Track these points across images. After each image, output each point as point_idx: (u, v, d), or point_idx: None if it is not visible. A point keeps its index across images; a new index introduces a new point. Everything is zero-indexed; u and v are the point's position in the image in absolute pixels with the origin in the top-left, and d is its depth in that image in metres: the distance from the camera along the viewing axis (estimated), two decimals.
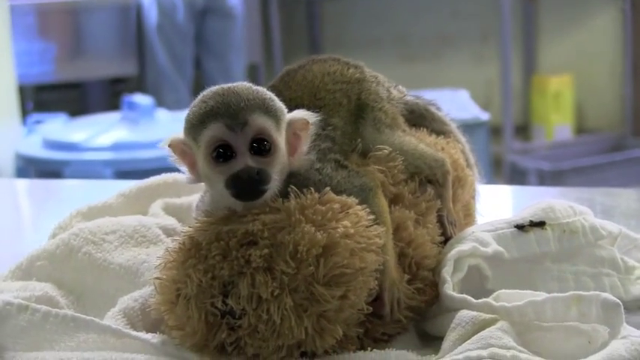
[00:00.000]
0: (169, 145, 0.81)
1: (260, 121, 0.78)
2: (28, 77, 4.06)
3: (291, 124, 0.81)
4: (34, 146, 3.22)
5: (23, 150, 3.21)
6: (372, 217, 0.79)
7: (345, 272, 0.76)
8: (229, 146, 0.77)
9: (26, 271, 0.95)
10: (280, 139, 0.79)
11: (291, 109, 0.83)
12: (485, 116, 3.07)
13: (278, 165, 0.79)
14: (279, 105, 0.81)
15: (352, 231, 0.77)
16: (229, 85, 0.80)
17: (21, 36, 4.01)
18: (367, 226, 0.78)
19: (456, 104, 3.18)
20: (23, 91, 4.15)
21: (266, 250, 0.75)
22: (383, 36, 4.42)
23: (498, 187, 1.74)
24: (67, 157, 3.03)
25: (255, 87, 0.81)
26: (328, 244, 0.76)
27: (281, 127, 0.80)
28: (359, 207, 0.79)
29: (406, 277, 0.83)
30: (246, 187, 0.77)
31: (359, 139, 0.87)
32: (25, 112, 3.86)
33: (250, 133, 0.77)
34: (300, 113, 0.81)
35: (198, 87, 3.52)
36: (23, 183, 2.09)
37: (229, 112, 0.77)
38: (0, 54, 3.36)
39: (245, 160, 0.77)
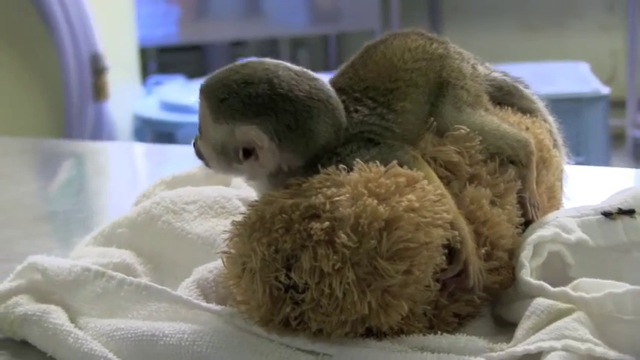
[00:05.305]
0: None
1: (201, 105, 0.82)
2: (151, 39, 4.13)
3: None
4: (151, 108, 3.28)
5: (141, 111, 3.28)
6: (439, 191, 0.78)
7: (409, 246, 0.74)
8: None
9: (108, 238, 0.97)
10: (214, 130, 0.81)
11: (362, 90, 0.84)
12: (605, 90, 3.01)
13: (207, 147, 0.83)
14: (231, 102, 0.80)
15: (417, 205, 0.75)
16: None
17: None
18: (435, 201, 0.77)
19: (575, 77, 3.12)
20: (146, 53, 4.23)
21: (327, 223, 0.74)
22: (504, 3, 4.34)
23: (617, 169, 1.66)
24: (181, 119, 3.08)
25: (244, 71, 0.81)
26: (391, 218, 0.74)
27: (220, 119, 0.80)
28: (426, 181, 0.78)
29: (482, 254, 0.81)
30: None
31: (432, 118, 0.85)
32: (147, 74, 3.94)
33: None
34: (248, 131, 0.79)
35: None
36: (141, 147, 2.15)
37: None
38: (122, 16, 3.42)
39: None
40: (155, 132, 3.16)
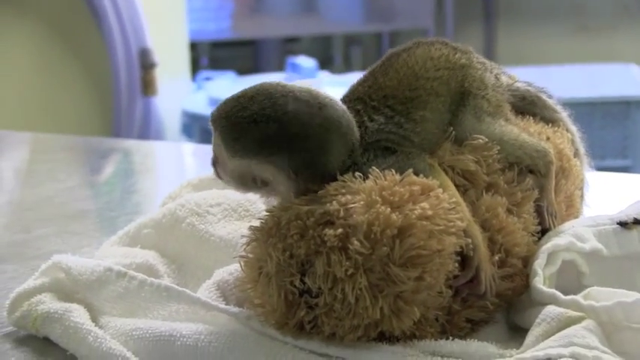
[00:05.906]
0: None
1: (214, 136, 0.82)
2: (203, 34, 4.14)
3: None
4: (200, 103, 3.30)
5: (189, 107, 3.30)
6: (454, 200, 0.79)
7: (421, 254, 0.75)
8: None
9: (133, 238, 0.99)
10: (230, 162, 0.81)
11: (380, 99, 0.84)
12: None
13: (225, 173, 0.83)
14: (244, 142, 0.79)
15: (431, 213, 0.76)
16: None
17: None
18: (448, 209, 0.78)
19: (624, 79, 3.09)
20: (199, 48, 4.25)
21: (340, 230, 0.75)
22: (558, 4, 4.30)
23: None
24: None
25: (266, 100, 0.80)
26: (404, 225, 0.75)
27: (236, 156, 0.81)
28: (441, 190, 0.79)
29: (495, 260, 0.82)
30: None
31: (451, 128, 0.86)
32: (198, 68, 3.95)
33: None
34: (264, 169, 0.80)
35: None
36: (189, 146, 2.16)
37: None
38: (173, 11, 3.44)
39: None
40: (203, 128, 3.18)
